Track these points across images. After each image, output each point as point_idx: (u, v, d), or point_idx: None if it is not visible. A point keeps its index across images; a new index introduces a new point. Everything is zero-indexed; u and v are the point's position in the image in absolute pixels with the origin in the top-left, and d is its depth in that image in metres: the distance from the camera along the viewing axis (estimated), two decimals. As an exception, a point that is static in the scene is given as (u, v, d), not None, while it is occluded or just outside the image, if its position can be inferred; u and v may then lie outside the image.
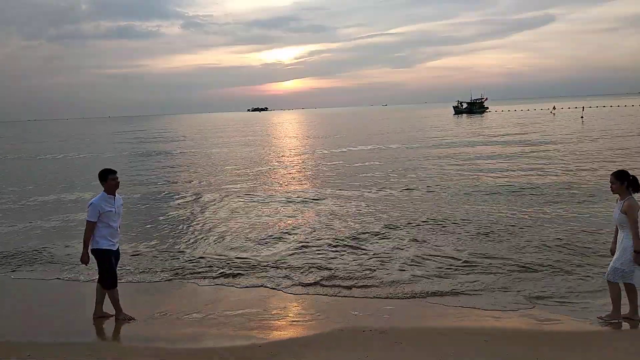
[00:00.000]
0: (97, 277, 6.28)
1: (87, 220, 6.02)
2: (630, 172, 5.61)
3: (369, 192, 15.68)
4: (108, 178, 6.09)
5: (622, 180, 5.53)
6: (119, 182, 6.22)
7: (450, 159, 23.77)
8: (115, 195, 6.21)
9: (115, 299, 6.25)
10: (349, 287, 7.34)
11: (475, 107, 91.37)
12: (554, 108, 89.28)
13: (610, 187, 5.70)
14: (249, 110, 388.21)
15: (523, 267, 7.88)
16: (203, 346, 5.59)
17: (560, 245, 8.95)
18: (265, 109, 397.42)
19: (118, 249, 6.33)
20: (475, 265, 8.07)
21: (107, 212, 6.03)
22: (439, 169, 20.49)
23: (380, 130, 52.58)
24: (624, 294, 5.66)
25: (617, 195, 5.68)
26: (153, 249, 9.85)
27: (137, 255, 9.42)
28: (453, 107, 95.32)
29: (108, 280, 6.15)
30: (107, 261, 6.11)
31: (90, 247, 6.10)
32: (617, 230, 5.66)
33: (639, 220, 5.41)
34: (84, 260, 6.09)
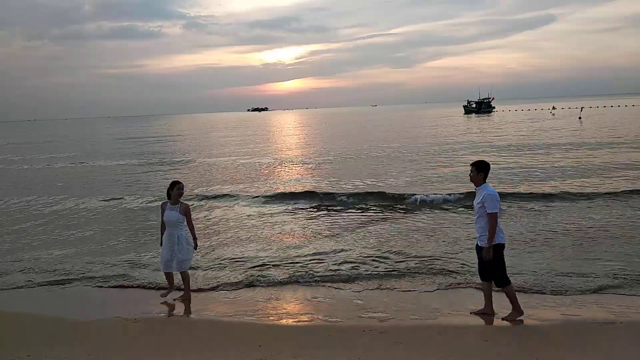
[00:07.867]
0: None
1: (493, 213, 5.62)
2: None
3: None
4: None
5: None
6: None
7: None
8: None
9: (512, 293, 5.95)
10: (350, 288, 7.37)
11: (484, 107, 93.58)
12: (554, 108, 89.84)
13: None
14: (249, 110, 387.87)
15: (525, 267, 7.89)
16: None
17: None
18: (266, 109, 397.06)
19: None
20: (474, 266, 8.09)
21: None
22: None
23: (395, 144, 33.00)
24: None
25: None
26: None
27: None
28: (463, 106, 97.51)
29: (501, 277, 5.88)
30: (502, 257, 5.86)
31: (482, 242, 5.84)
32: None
33: None
34: (489, 256, 5.74)
